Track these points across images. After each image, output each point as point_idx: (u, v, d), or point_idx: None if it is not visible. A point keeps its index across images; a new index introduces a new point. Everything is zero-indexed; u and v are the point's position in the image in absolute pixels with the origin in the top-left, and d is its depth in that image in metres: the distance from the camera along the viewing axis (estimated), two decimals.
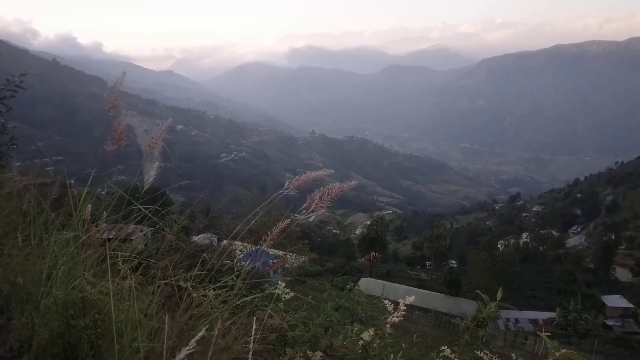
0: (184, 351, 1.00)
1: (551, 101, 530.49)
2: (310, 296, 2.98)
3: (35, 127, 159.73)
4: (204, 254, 2.39)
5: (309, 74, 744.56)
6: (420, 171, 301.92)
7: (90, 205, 2.18)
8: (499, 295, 1.92)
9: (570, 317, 38.10)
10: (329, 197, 1.74)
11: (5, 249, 2.33)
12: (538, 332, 1.57)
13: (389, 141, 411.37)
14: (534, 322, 41.64)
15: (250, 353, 1.14)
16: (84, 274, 1.73)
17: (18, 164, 4.56)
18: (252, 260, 4.34)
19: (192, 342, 1.02)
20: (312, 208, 1.75)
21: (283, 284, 3.04)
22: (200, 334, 1.06)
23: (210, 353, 1.25)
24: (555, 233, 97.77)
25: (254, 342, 1.71)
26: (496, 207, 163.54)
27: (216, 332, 1.16)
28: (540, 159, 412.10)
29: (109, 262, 1.55)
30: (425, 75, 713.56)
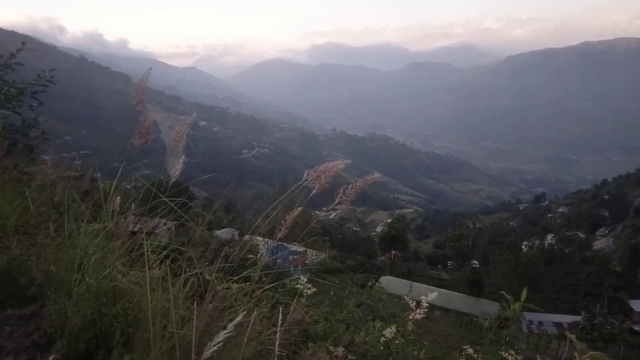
0: (222, 334, 1.02)
1: (578, 99, 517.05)
2: (332, 292, 3.00)
3: (62, 122, 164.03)
4: (226, 248, 2.43)
5: (330, 70, 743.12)
6: (442, 169, 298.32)
7: (119, 198, 2.24)
8: (524, 295, 1.90)
9: (596, 321, 37.17)
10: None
11: (38, 238, 2.41)
12: (566, 334, 1.54)
13: (411, 139, 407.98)
14: (558, 325, 40.74)
15: (277, 344, 1.16)
16: (115, 264, 1.78)
17: (46, 157, 4.71)
18: (272, 254, 4.38)
19: (231, 326, 1.04)
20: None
21: (305, 279, 3.06)
22: (238, 319, 1.09)
23: (243, 345, 1.28)
24: (581, 235, 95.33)
25: (272, 337, 1.73)
26: (520, 207, 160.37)
27: (252, 320, 1.17)
28: (566, 159, 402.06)
29: (145, 252, 1.59)
30: (447, 72, 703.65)
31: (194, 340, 1.16)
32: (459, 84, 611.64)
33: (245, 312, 1.21)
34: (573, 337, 1.51)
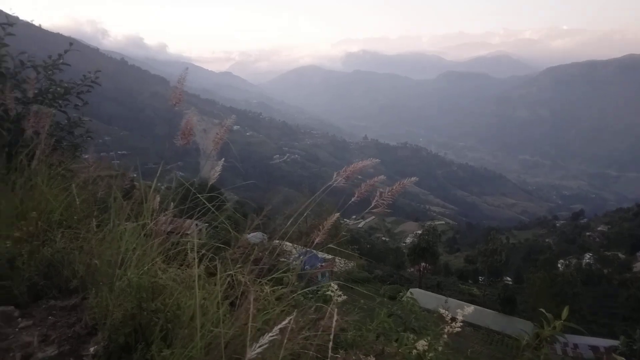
0: (267, 337, 1.04)
1: (621, 113, 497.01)
2: (362, 301, 2.98)
3: (102, 122, 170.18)
4: (256, 251, 2.45)
5: (364, 78, 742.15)
6: (475, 182, 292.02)
7: (158, 197, 2.30)
8: (565, 314, 1.83)
9: (635, 347, 35.38)
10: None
11: (81, 233, 2.51)
12: (614, 355, 1.47)
13: (444, 149, 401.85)
14: (594, 348, 39.00)
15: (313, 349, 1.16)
16: (155, 260, 1.82)
17: (86, 156, 4.89)
18: (304, 260, 4.39)
19: (276, 329, 1.06)
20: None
21: (335, 286, 3.05)
22: (284, 323, 1.10)
23: (283, 346, 1.28)
24: (621, 255, 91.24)
25: (307, 341, 1.73)
26: (557, 224, 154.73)
27: (291, 323, 1.18)
28: (607, 175, 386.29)
29: (188, 250, 1.62)
30: (484, 83, 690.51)
31: (249, 340, 1.17)
32: (495, 95, 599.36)
33: (288, 317, 1.22)
34: (618, 358, 1.44)
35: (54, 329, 2.01)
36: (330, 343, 1.26)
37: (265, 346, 1.06)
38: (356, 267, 38.31)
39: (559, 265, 69.22)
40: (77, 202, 2.86)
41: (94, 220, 2.49)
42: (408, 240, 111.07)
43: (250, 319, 1.30)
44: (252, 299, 1.40)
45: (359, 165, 1.88)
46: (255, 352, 1.07)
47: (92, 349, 1.77)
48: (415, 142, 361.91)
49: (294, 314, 1.29)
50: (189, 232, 3.54)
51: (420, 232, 64.86)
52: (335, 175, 1.92)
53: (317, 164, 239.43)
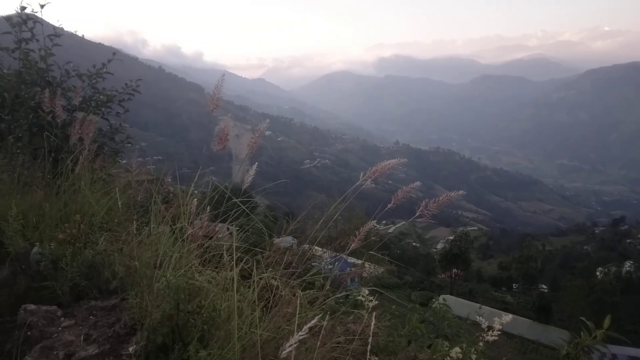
0: (297, 336, 1.05)
1: None
2: (393, 306, 2.95)
3: (139, 128, 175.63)
4: (287, 255, 2.48)
5: (396, 83, 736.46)
6: (510, 187, 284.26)
7: (196, 200, 2.36)
8: (607, 323, 1.76)
9: None
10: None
11: (122, 235, 2.60)
12: None
13: (477, 154, 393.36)
14: (634, 359, 37.19)
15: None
16: (192, 262, 1.87)
17: (124, 161, 5.06)
18: (335, 265, 4.39)
19: (305, 328, 1.07)
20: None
21: (367, 291, 3.04)
22: (313, 322, 1.12)
23: (316, 348, 1.30)
24: None
25: (340, 345, 1.73)
26: (596, 231, 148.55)
27: (324, 325, 1.20)
28: None
29: (224, 254, 1.66)
30: (520, 86, 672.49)
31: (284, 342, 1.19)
32: (532, 99, 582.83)
33: (317, 317, 1.23)
34: None
35: (95, 328, 2.09)
36: (369, 347, 1.26)
37: (295, 345, 1.07)
38: (386, 272, 37.91)
39: (598, 273, 66.48)
40: (119, 206, 2.97)
41: (134, 223, 2.58)
42: (439, 246, 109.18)
43: (283, 320, 1.32)
44: (278, 302, 1.42)
45: (386, 165, 1.87)
46: (286, 351, 1.09)
47: (131, 349, 1.83)
48: (448, 147, 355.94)
49: (327, 317, 1.29)
50: (222, 236, 3.61)
51: (452, 238, 63.67)
52: (362, 176, 1.92)
53: (347, 169, 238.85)
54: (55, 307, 2.24)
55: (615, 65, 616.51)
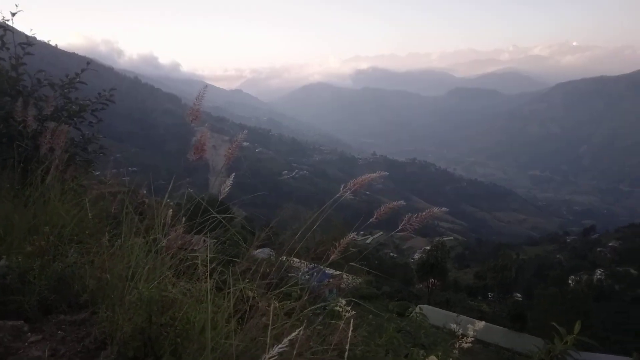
0: (277, 349, 1.05)
1: (632, 129, 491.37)
2: (370, 316, 2.96)
3: (114, 139, 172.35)
4: (264, 266, 2.46)
5: (373, 95, 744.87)
6: (485, 197, 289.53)
7: (171, 211, 2.33)
8: (577, 328, 1.80)
9: None
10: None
11: (93, 248, 2.54)
12: None
13: (453, 165, 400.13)
14: None
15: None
16: (166, 274, 1.84)
17: (97, 173, 4.97)
18: (312, 276, 4.38)
19: (286, 340, 1.06)
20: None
21: (344, 302, 3.04)
22: (293, 334, 1.11)
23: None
24: (633, 271, 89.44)
25: (316, 356, 1.73)
26: (568, 240, 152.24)
27: (299, 336, 1.19)
28: (619, 190, 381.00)
29: (199, 266, 1.64)
30: (493, 99, 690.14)
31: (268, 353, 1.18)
32: (505, 111, 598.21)
33: (299, 330, 1.22)
34: None
35: (63, 343, 2.02)
36: (346, 354, 1.26)
37: (275, 357, 1.06)
38: (364, 283, 37.89)
39: (570, 281, 68.14)
40: (90, 217, 2.90)
41: (106, 235, 2.52)
42: (416, 256, 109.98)
43: (258, 332, 1.30)
44: (254, 314, 1.41)
45: (365, 178, 1.89)
46: None
47: None
48: (424, 158, 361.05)
49: (304, 326, 1.29)
50: (197, 248, 3.56)
51: (428, 247, 64.30)
52: (342, 188, 1.93)
53: (325, 180, 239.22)
54: (22, 322, 2.16)
55: (584, 79, 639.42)
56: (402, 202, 1.91)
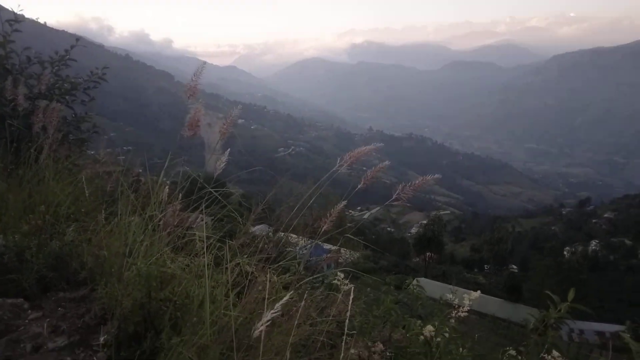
0: (269, 314, 1.05)
1: (628, 100, 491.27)
2: (368, 289, 3.00)
3: (107, 118, 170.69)
4: (262, 242, 2.47)
5: (368, 69, 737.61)
6: (481, 171, 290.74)
7: (167, 188, 2.32)
8: (571, 295, 1.83)
9: None
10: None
11: (90, 225, 2.53)
12: (621, 334, 1.48)
13: (449, 139, 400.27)
14: (600, 334, 38.91)
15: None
16: (164, 249, 1.84)
17: (92, 152, 4.92)
18: (309, 250, 4.41)
19: (278, 305, 1.07)
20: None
21: (342, 275, 3.07)
22: (285, 299, 1.12)
23: (293, 329, 1.30)
24: (628, 242, 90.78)
25: (314, 327, 1.75)
26: (563, 212, 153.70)
27: (301, 305, 1.20)
28: (614, 162, 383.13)
29: (197, 241, 1.64)
30: (490, 72, 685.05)
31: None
32: (501, 84, 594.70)
33: (289, 293, 1.23)
34: (627, 336, 1.44)
35: (63, 320, 2.04)
36: (346, 326, 1.28)
37: (267, 323, 1.07)
38: (361, 257, 38.32)
39: (565, 253, 69.09)
40: (86, 195, 2.89)
41: (102, 213, 2.52)
42: (413, 230, 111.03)
43: (256, 305, 1.32)
44: (252, 287, 1.42)
45: (361, 151, 1.87)
46: (259, 330, 1.09)
47: (101, 339, 1.80)
48: (421, 133, 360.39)
49: (304, 297, 1.30)
50: (194, 225, 3.57)
51: (425, 222, 64.88)
52: (338, 161, 1.92)
53: (322, 156, 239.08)
54: (22, 299, 2.18)
55: (581, 51, 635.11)
56: (387, 162, 1.89)
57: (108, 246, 2.08)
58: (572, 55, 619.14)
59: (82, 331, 1.92)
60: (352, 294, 1.68)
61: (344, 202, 1.94)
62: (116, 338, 1.71)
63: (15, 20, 4.35)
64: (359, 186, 1.88)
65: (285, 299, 1.14)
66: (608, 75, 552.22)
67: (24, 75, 4.33)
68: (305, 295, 1.72)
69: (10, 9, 4.52)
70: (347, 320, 1.52)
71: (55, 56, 4.68)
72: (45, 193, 2.86)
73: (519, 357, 1.80)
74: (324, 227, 1.87)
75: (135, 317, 1.65)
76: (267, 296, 1.41)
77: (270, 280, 1.97)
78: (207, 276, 1.51)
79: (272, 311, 1.07)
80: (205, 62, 2.45)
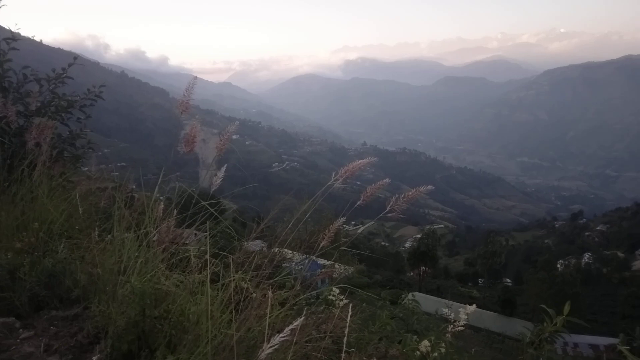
0: (278, 338, 1.05)
1: (619, 114, 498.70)
2: (364, 304, 2.99)
3: (102, 134, 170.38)
4: (257, 258, 2.46)
5: (362, 85, 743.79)
6: (474, 185, 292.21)
7: (162, 204, 2.31)
8: (567, 309, 1.83)
9: (634, 344, 35.33)
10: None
11: (83, 242, 2.52)
12: (618, 346, 1.48)
13: (443, 154, 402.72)
14: (594, 347, 38.80)
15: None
16: (159, 267, 1.83)
17: (85, 169, 4.90)
18: (304, 267, 4.39)
19: (287, 330, 1.07)
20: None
21: (337, 291, 3.06)
22: (296, 323, 1.11)
23: (292, 347, 1.29)
24: (620, 254, 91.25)
25: (311, 343, 1.74)
26: (556, 225, 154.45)
27: (299, 325, 1.19)
28: (606, 175, 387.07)
29: (192, 258, 1.63)
30: (482, 87, 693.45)
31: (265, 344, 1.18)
32: (494, 99, 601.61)
33: (294, 320, 1.22)
34: (625, 349, 1.44)
35: (56, 339, 2.01)
36: (345, 338, 1.27)
37: (276, 346, 1.07)
38: (356, 272, 38.12)
39: (559, 266, 69.20)
40: (80, 212, 2.88)
41: (96, 230, 2.50)
42: (407, 244, 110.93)
43: (253, 322, 1.31)
44: (248, 304, 1.42)
45: (356, 165, 1.88)
46: (266, 352, 1.08)
47: (94, 358, 1.78)
48: (414, 147, 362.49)
49: (304, 313, 1.29)
50: (189, 242, 3.55)
51: (419, 236, 64.85)
52: (333, 176, 1.92)
53: (316, 171, 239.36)
54: (13, 318, 2.14)
55: (571, 66, 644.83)
56: (387, 180, 1.90)
57: (102, 263, 2.06)
58: (563, 70, 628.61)
59: (75, 350, 1.89)
60: (350, 310, 1.67)
61: (343, 219, 1.94)
62: (110, 357, 1.68)
63: (12, 39, 4.38)
64: (358, 202, 1.89)
65: (296, 323, 1.13)
66: (598, 90, 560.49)
67: (20, 93, 4.34)
68: (305, 311, 1.71)
69: (7, 28, 4.54)
70: (345, 338, 1.52)
71: (52, 74, 4.70)
72: (39, 210, 2.84)
73: None
74: (322, 243, 1.86)
75: (129, 336, 1.63)
76: (268, 313, 1.40)
77: (266, 297, 1.97)
78: (206, 293, 1.50)
79: (281, 335, 1.07)
80: (196, 77, 2.47)
